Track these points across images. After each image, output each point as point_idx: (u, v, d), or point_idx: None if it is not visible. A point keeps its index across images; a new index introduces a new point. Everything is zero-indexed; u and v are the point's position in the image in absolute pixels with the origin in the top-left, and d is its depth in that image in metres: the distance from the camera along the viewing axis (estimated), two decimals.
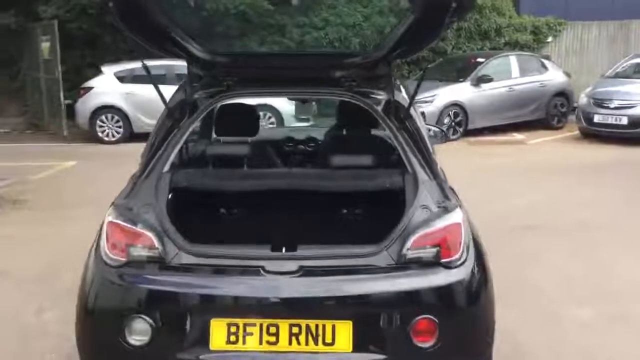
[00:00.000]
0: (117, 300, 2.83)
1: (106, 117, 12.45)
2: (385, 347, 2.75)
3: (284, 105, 11.19)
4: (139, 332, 2.75)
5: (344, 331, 2.72)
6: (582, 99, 12.66)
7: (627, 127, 11.73)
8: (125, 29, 3.08)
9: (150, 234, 2.84)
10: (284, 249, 2.91)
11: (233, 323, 2.72)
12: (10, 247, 5.92)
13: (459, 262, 2.84)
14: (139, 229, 2.86)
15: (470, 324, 2.88)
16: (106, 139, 12.45)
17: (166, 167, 3.17)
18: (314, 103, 7.32)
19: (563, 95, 13.90)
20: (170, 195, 3.12)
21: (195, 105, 3.50)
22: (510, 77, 13.39)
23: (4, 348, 3.92)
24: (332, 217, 3.51)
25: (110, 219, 2.93)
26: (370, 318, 2.76)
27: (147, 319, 2.73)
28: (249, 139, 4.02)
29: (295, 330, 2.72)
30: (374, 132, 4.11)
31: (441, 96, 12.43)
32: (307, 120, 10.42)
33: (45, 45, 13.39)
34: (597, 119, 12.12)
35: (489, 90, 12.96)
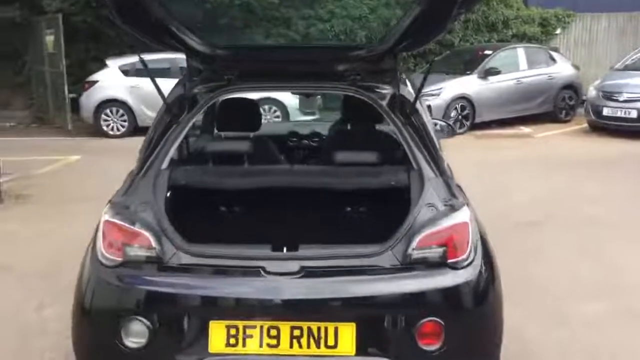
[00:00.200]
0: (114, 301, 2.76)
1: (111, 111, 12.43)
2: (389, 350, 2.68)
3: (289, 98, 11.12)
4: (136, 334, 2.68)
5: (347, 334, 2.65)
6: (591, 92, 12.55)
7: (637, 121, 11.58)
8: (121, 22, 3.00)
9: (147, 234, 2.76)
10: (285, 249, 2.84)
11: (232, 325, 2.65)
12: (13, 242, 5.90)
13: (466, 263, 2.75)
14: (136, 228, 2.79)
15: (478, 326, 2.80)
16: (111, 132, 12.42)
17: (164, 164, 3.09)
18: (318, 97, 7.24)
19: (571, 88, 13.80)
20: (168, 193, 3.05)
21: (195, 100, 3.42)
22: (518, 69, 13.30)
23: (4, 345, 3.88)
24: (334, 216, 3.44)
25: (106, 217, 2.86)
26: (374, 320, 2.69)
27: (144, 320, 2.67)
28: (251, 134, 3.94)
29: (296, 332, 2.65)
30: (379, 127, 4.03)
31: (448, 89, 12.36)
32: (312, 113, 10.33)
33: (49, 39, 13.37)
34: (605, 112, 12.01)
35: (496, 83, 12.88)
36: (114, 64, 12.56)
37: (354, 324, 2.64)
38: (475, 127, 12.56)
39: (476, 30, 16.27)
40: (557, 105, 13.61)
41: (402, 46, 3.59)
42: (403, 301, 2.70)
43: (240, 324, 2.65)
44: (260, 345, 2.65)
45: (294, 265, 2.69)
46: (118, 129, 12.45)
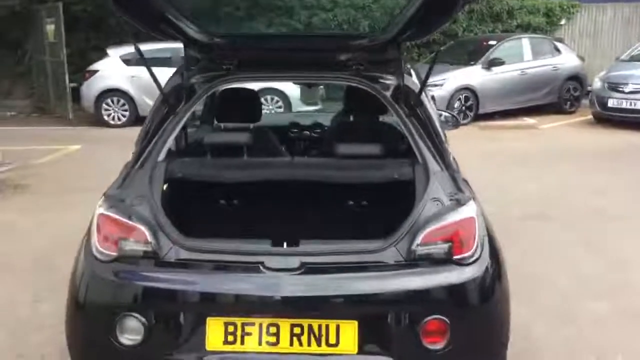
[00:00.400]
0: (108, 297, 2.68)
1: (112, 101, 12.36)
2: (392, 349, 2.60)
3: (292, 88, 11.01)
4: (131, 331, 2.60)
5: (349, 332, 2.57)
6: (596, 83, 12.45)
7: None
8: (117, 9, 2.90)
9: (143, 228, 2.68)
10: (285, 244, 2.75)
11: (231, 322, 2.58)
12: (10, 233, 5.84)
13: (472, 259, 2.66)
14: (131, 222, 2.70)
15: (484, 324, 2.71)
16: (112, 122, 12.36)
17: (161, 156, 3.01)
18: (321, 87, 7.14)
19: (576, 79, 13.70)
20: (165, 186, 2.96)
21: (192, 90, 3.34)
22: (522, 60, 13.20)
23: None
24: (336, 210, 3.35)
25: (101, 210, 2.77)
26: (377, 318, 2.61)
27: (140, 317, 2.59)
28: (251, 125, 3.85)
29: (296, 330, 2.57)
30: (382, 118, 3.94)
31: (452, 80, 12.27)
32: (315, 104, 10.23)
33: (50, 28, 13.29)
34: (611, 103, 11.91)
35: (500, 73, 12.79)
36: (114, 53, 12.46)
37: (356, 322, 2.57)
38: (479, 118, 12.48)
39: (480, 20, 16.13)
40: (561, 97, 13.52)
41: (406, 36, 3.49)
42: (407, 298, 2.61)
43: (238, 321, 2.57)
44: (259, 343, 2.57)
45: (295, 261, 2.60)
46: (119, 119, 12.38)
